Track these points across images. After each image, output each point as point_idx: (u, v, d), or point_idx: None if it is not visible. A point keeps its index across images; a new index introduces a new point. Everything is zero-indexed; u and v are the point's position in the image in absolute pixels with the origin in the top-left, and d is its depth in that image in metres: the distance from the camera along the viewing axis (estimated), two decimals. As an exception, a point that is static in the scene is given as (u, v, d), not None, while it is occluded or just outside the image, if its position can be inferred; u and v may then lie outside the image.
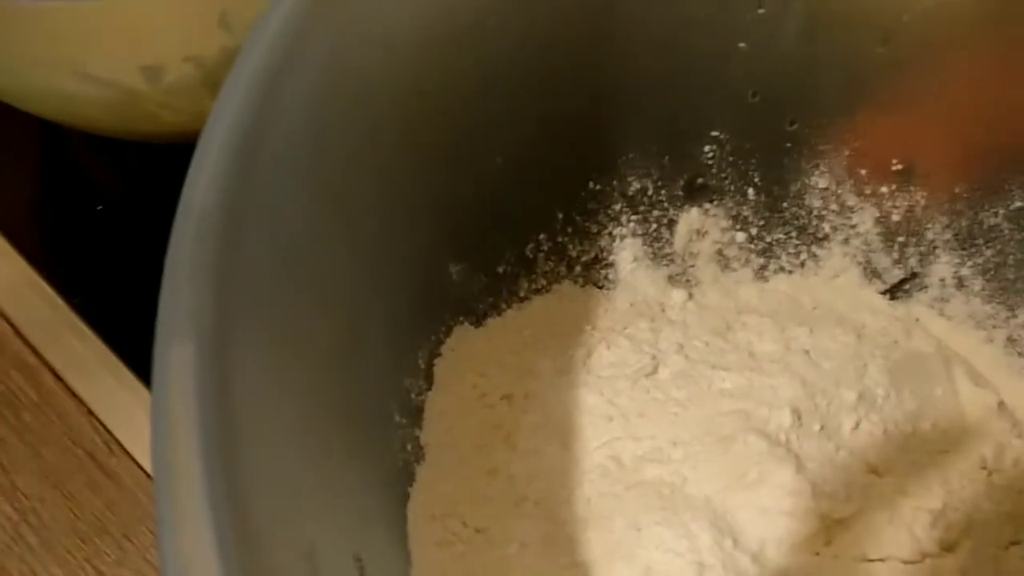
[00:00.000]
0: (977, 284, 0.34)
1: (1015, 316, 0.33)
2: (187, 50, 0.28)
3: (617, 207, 0.35)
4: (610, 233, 0.35)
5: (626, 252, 0.35)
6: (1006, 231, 0.33)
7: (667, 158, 0.34)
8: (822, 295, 0.35)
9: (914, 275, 0.35)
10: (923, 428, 0.29)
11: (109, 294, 0.40)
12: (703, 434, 0.28)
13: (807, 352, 0.31)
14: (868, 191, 0.34)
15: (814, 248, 0.35)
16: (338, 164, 0.22)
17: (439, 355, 0.31)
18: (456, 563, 0.26)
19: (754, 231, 0.35)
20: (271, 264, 0.20)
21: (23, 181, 0.43)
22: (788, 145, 0.34)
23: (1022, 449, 0.30)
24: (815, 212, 0.35)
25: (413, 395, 0.29)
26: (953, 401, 0.31)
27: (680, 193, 0.35)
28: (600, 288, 0.35)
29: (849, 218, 0.35)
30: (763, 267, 0.36)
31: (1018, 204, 0.32)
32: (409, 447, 0.28)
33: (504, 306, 0.34)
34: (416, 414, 0.29)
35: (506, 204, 0.32)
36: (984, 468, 0.28)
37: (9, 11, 0.25)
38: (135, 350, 0.38)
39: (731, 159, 0.35)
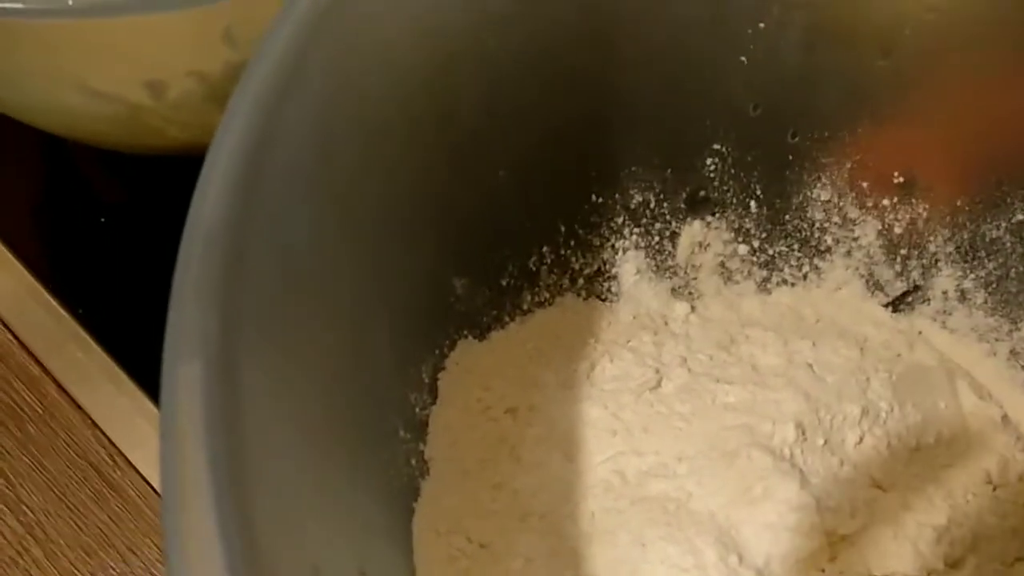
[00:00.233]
0: (979, 297, 0.34)
1: (1018, 329, 0.33)
2: (191, 65, 0.28)
3: (620, 220, 0.35)
4: (613, 246, 0.35)
5: (629, 265, 0.35)
6: (1008, 244, 0.33)
7: (669, 171, 0.34)
8: (825, 308, 0.35)
9: (916, 288, 0.35)
10: (927, 442, 0.30)
11: (112, 305, 0.40)
12: (707, 449, 0.28)
13: (810, 366, 0.31)
14: (870, 204, 0.34)
15: (816, 260, 0.35)
16: (342, 180, 0.22)
17: (443, 369, 0.31)
18: (461, 578, 0.26)
19: (756, 243, 0.35)
20: (277, 280, 0.20)
21: (26, 191, 0.43)
22: (790, 158, 0.34)
23: (1025, 462, 0.30)
24: (817, 224, 0.35)
25: (417, 409, 0.29)
26: (957, 415, 0.31)
27: (682, 206, 0.35)
28: (603, 301, 0.35)
29: (851, 231, 0.35)
30: (766, 279, 0.36)
31: (1020, 217, 0.33)
32: (414, 462, 0.29)
33: (507, 319, 0.34)
34: (420, 428, 0.29)
35: (509, 217, 0.32)
36: (989, 483, 0.28)
37: (13, 26, 0.25)
38: (139, 361, 0.38)
39: (733, 172, 0.35)
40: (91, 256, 0.41)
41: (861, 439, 0.29)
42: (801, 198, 0.35)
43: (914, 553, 0.26)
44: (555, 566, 0.26)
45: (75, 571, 0.35)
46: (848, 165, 0.34)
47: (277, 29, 0.19)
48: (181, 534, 0.16)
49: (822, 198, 0.35)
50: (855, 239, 0.35)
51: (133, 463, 0.37)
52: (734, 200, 0.35)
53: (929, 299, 0.35)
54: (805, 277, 0.36)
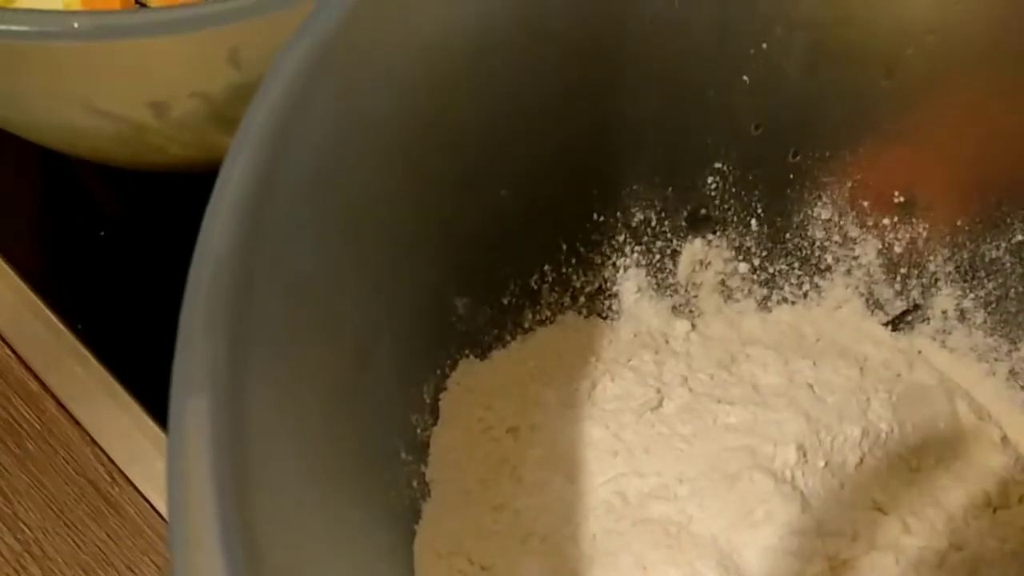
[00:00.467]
0: (979, 317, 0.34)
1: (1017, 349, 0.33)
2: (195, 86, 0.28)
3: (621, 238, 0.35)
4: (614, 264, 0.35)
5: (630, 283, 0.35)
6: (1008, 264, 0.33)
7: (670, 189, 0.35)
8: (825, 326, 0.35)
9: (916, 307, 0.35)
10: (927, 463, 0.30)
11: (112, 320, 0.40)
12: (709, 470, 0.28)
13: (811, 386, 0.32)
14: (870, 223, 0.35)
15: (817, 279, 0.36)
16: (348, 206, 0.22)
17: (445, 389, 0.31)
18: (463, 600, 0.26)
19: (757, 262, 0.36)
20: (284, 307, 0.20)
21: (25, 206, 0.43)
22: (791, 177, 0.34)
23: (1026, 484, 0.30)
24: (818, 243, 0.35)
25: (419, 431, 0.29)
26: (957, 436, 0.31)
27: (683, 224, 0.35)
28: (604, 319, 0.35)
29: (852, 249, 0.35)
30: (766, 298, 0.36)
31: (1019, 238, 0.33)
32: (415, 484, 0.29)
33: (509, 338, 0.34)
34: (422, 450, 0.29)
35: (511, 236, 0.32)
36: (989, 505, 0.29)
37: (19, 48, 0.25)
38: (138, 377, 0.38)
39: (734, 190, 0.35)
40: (90, 271, 0.41)
41: (862, 460, 0.30)
42: (802, 217, 0.35)
43: (917, 580, 0.26)
44: (557, 590, 0.26)
45: (74, 590, 0.35)
46: (849, 184, 0.34)
47: (284, 57, 0.20)
48: (188, 569, 0.16)
49: (823, 217, 0.35)
50: (855, 258, 0.35)
51: (132, 480, 0.37)
52: (735, 218, 0.35)
53: (929, 318, 0.35)
54: (805, 295, 0.36)
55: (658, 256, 0.35)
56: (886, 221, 0.34)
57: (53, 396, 0.38)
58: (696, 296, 0.36)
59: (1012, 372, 0.33)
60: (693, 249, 0.35)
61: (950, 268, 0.34)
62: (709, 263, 0.36)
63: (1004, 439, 0.31)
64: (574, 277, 0.35)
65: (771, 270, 0.36)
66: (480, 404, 0.31)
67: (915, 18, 0.30)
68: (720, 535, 0.27)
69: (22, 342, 0.39)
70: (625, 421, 0.31)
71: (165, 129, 0.30)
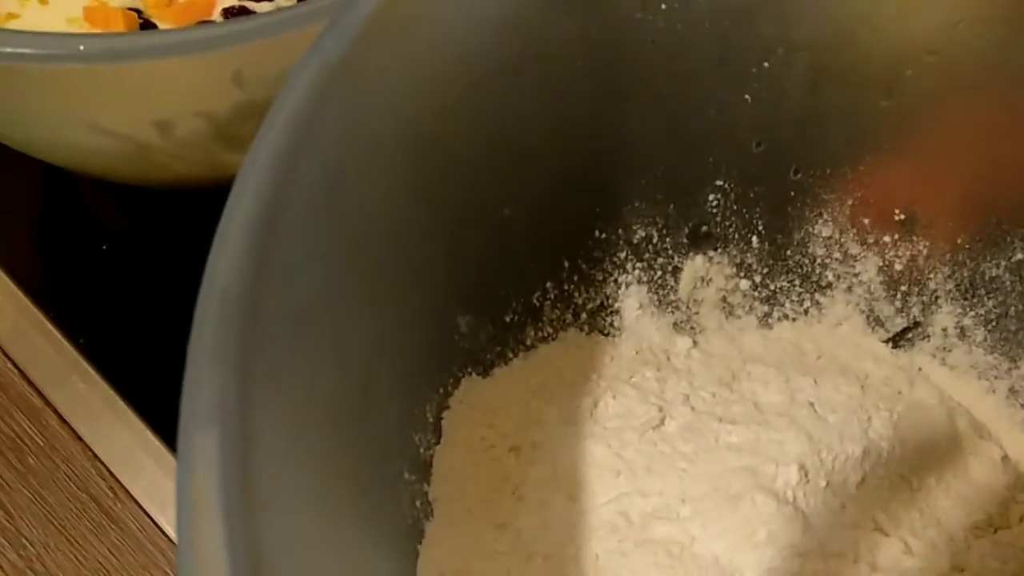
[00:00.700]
0: (979, 335, 0.34)
1: (1017, 367, 0.33)
2: (199, 106, 0.28)
3: (622, 255, 0.35)
4: (615, 280, 0.35)
5: (631, 299, 0.36)
6: (1008, 283, 0.33)
7: (672, 206, 0.35)
8: (826, 343, 0.35)
9: (917, 324, 0.35)
10: (928, 483, 0.30)
11: (114, 334, 0.40)
12: (711, 491, 0.28)
13: (812, 404, 0.32)
14: (871, 240, 0.35)
15: (817, 296, 0.36)
16: (354, 234, 0.23)
17: (447, 408, 0.31)
18: (466, 621, 0.27)
19: (758, 279, 0.36)
20: (291, 336, 0.20)
21: (27, 220, 0.43)
22: (792, 194, 0.34)
23: (1026, 504, 0.30)
24: (818, 260, 0.35)
25: (422, 450, 0.30)
26: (957, 455, 0.31)
27: (685, 241, 0.35)
28: (605, 335, 0.35)
29: (852, 267, 0.35)
30: (767, 315, 0.36)
31: (1019, 256, 0.33)
32: (418, 503, 0.29)
33: (511, 355, 0.34)
34: (425, 469, 0.29)
35: (514, 254, 0.32)
36: (990, 525, 0.29)
37: (25, 70, 0.25)
38: (140, 392, 0.38)
39: (735, 207, 0.35)
40: (93, 285, 0.41)
41: (863, 480, 0.30)
42: (803, 234, 0.35)
43: (919, 603, 0.26)
44: (561, 612, 0.26)
45: (76, 606, 0.35)
46: (850, 202, 0.34)
47: (289, 89, 0.20)
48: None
49: (823, 234, 0.35)
50: (856, 275, 0.35)
51: (133, 495, 0.37)
52: (736, 235, 0.35)
53: (929, 336, 0.35)
54: (806, 312, 0.36)
55: (659, 273, 0.35)
56: (887, 239, 0.34)
57: (55, 411, 0.38)
58: (697, 313, 0.36)
59: (1012, 390, 0.34)
60: (694, 266, 0.35)
61: (950, 286, 0.34)
62: (710, 280, 0.36)
63: (1004, 458, 0.31)
64: (576, 294, 0.35)
65: (772, 287, 0.36)
66: (482, 422, 0.31)
67: (915, 39, 0.30)
68: (722, 556, 0.27)
69: (24, 356, 0.39)
70: (627, 439, 0.31)
71: (169, 148, 0.30)
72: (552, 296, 0.34)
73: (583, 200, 0.34)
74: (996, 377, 0.34)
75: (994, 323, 0.34)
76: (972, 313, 0.34)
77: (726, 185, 0.34)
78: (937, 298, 0.34)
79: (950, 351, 0.34)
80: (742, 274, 0.36)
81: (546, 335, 0.35)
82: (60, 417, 0.38)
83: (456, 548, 0.28)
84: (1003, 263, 0.33)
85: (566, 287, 0.35)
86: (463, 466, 0.30)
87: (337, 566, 0.22)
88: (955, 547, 0.28)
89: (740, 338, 0.36)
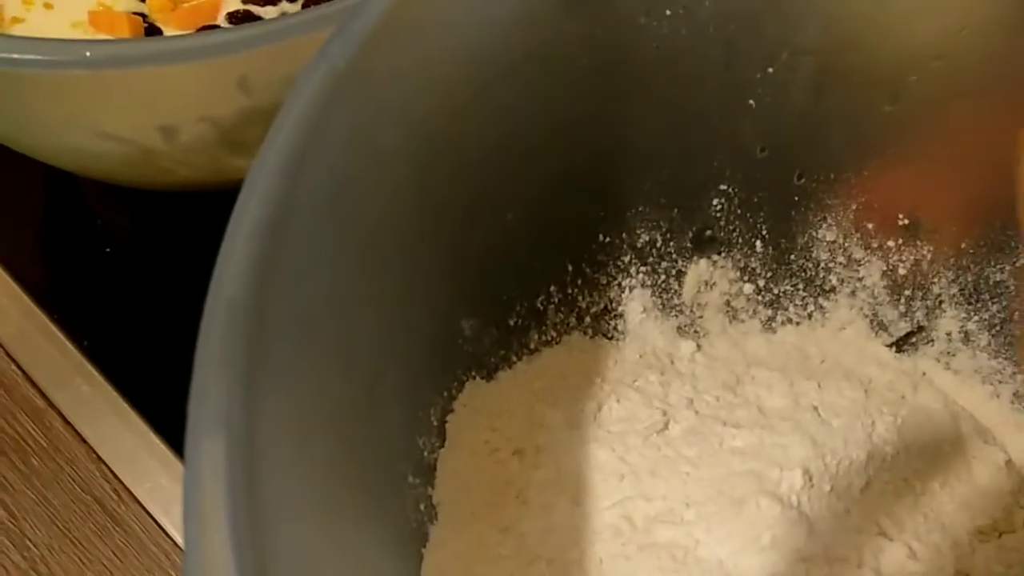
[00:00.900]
0: (983, 339, 0.34)
1: (1021, 372, 0.33)
2: (204, 111, 0.28)
3: (626, 259, 0.35)
4: (619, 284, 0.35)
5: (635, 303, 0.36)
6: (1012, 287, 0.33)
7: (676, 211, 0.35)
8: (829, 347, 0.35)
9: (920, 329, 0.35)
10: (932, 487, 0.30)
11: (118, 337, 0.40)
12: (716, 495, 0.28)
13: (816, 408, 0.32)
14: (875, 245, 0.35)
15: (821, 300, 0.36)
16: (360, 239, 0.23)
17: (451, 411, 0.31)
18: (470, 625, 0.27)
19: (762, 283, 0.36)
20: (297, 343, 0.20)
21: (31, 222, 0.44)
22: (796, 199, 0.34)
23: (1030, 508, 0.30)
24: (822, 264, 0.35)
25: (426, 453, 0.30)
26: (961, 459, 0.31)
27: (689, 245, 0.35)
28: (609, 339, 0.35)
29: (856, 271, 0.35)
30: (771, 319, 0.36)
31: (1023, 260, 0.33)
32: (422, 507, 0.29)
33: (515, 359, 0.34)
34: (429, 473, 0.29)
35: (518, 258, 0.32)
36: (995, 530, 0.29)
37: (30, 76, 0.25)
38: (144, 394, 0.38)
39: (739, 212, 0.35)
40: (97, 287, 0.41)
41: (867, 484, 0.30)
42: (806, 238, 0.35)
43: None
44: (565, 616, 0.26)
45: (80, 609, 0.35)
46: (853, 206, 0.34)
47: (297, 94, 0.20)
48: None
49: (827, 239, 0.35)
50: (860, 279, 0.35)
51: (137, 497, 0.37)
52: (740, 240, 0.35)
53: (933, 340, 0.35)
54: (810, 316, 0.36)
55: (663, 277, 0.36)
56: (890, 243, 0.35)
57: (59, 413, 0.38)
58: (701, 316, 0.36)
59: (1016, 394, 0.34)
60: (698, 270, 0.35)
61: (954, 290, 0.34)
62: (714, 284, 0.36)
63: (1009, 462, 0.31)
64: (580, 298, 0.35)
65: (776, 291, 0.36)
66: (486, 426, 0.31)
67: (920, 45, 0.30)
68: (726, 560, 0.27)
69: (28, 359, 0.39)
70: (631, 444, 0.31)
71: (174, 152, 0.30)
72: (556, 300, 0.34)
73: (587, 204, 0.34)
74: (1000, 381, 0.34)
75: (998, 327, 0.34)
76: (976, 317, 0.34)
77: (730, 189, 0.34)
78: (941, 302, 0.34)
79: (954, 355, 0.34)
80: (746, 278, 0.36)
81: (550, 339, 0.35)
82: (64, 419, 0.38)
83: (460, 552, 0.28)
84: (1007, 267, 0.33)
85: (570, 291, 0.35)
86: (467, 470, 0.30)
87: (342, 570, 0.22)
88: (959, 552, 0.28)
89: (744, 342, 0.36)
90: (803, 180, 0.34)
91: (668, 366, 0.35)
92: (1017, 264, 0.33)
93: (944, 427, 0.32)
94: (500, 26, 0.26)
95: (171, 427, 0.37)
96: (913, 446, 0.31)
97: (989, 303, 0.34)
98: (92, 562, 0.35)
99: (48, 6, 0.35)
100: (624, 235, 0.35)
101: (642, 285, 0.35)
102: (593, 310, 0.35)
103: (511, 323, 0.33)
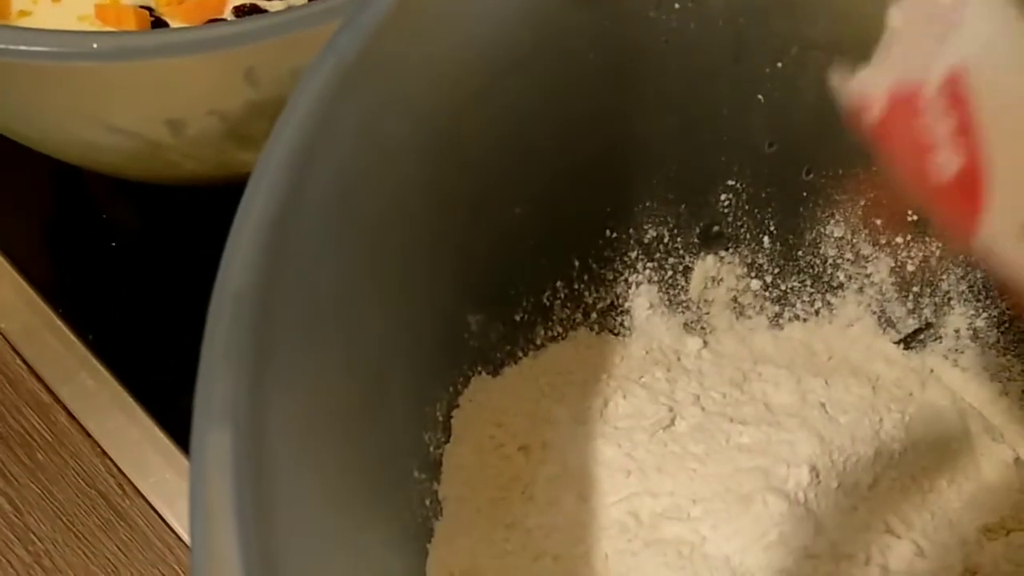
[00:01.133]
0: (992, 336, 0.34)
1: (1030, 370, 0.33)
2: (211, 104, 0.28)
3: (633, 254, 0.35)
4: (626, 280, 0.35)
5: (642, 299, 0.35)
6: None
7: (683, 206, 0.35)
8: (837, 344, 0.35)
9: (929, 325, 0.35)
10: (940, 485, 0.30)
11: (123, 331, 0.40)
12: (722, 491, 0.28)
13: (823, 405, 0.32)
14: (883, 241, 0.35)
15: (829, 297, 0.36)
16: (366, 233, 0.23)
17: (457, 406, 0.31)
18: (475, 620, 0.26)
19: (769, 279, 0.36)
20: (303, 337, 0.20)
21: (37, 217, 0.43)
22: (804, 194, 0.34)
23: (1039, 506, 0.30)
24: (830, 261, 0.35)
25: (431, 448, 0.29)
26: (969, 456, 0.31)
27: (696, 241, 0.35)
28: (615, 335, 0.35)
29: (864, 267, 0.35)
30: (778, 315, 0.36)
31: (1033, 257, 0.33)
32: (428, 502, 0.29)
33: (521, 354, 0.34)
34: (434, 468, 0.29)
35: (524, 253, 0.32)
36: (1003, 527, 0.29)
37: (38, 67, 0.25)
38: (149, 388, 0.38)
39: (747, 207, 0.35)
40: (102, 282, 0.41)
41: (875, 481, 0.30)
42: (814, 234, 0.35)
43: (932, 606, 0.26)
44: (571, 612, 0.26)
45: (84, 603, 0.35)
46: (862, 202, 0.34)
47: (305, 87, 0.20)
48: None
49: (835, 235, 0.35)
50: (867, 276, 0.35)
51: (142, 492, 0.37)
52: (747, 235, 0.35)
53: (941, 337, 0.35)
54: (817, 313, 0.36)
55: (670, 273, 0.35)
56: (899, 239, 0.34)
57: (64, 407, 0.38)
58: (708, 313, 0.36)
59: (1024, 392, 0.33)
60: (705, 266, 0.35)
61: (963, 287, 0.34)
62: (721, 280, 0.36)
63: (1017, 460, 0.31)
64: (586, 293, 0.35)
65: (783, 287, 0.36)
66: (492, 421, 0.31)
67: (931, 39, 0.30)
68: (733, 556, 0.27)
69: (33, 353, 0.39)
70: (638, 440, 0.31)
71: (181, 146, 0.30)
72: (562, 295, 0.34)
73: (594, 199, 0.33)
74: (1009, 379, 0.34)
75: (1007, 324, 0.34)
76: (985, 314, 0.34)
77: (738, 185, 0.34)
78: (950, 299, 0.34)
79: (962, 353, 0.34)
80: (753, 274, 0.35)
81: (556, 334, 0.34)
82: (69, 413, 0.38)
83: (465, 547, 0.28)
84: (1016, 264, 0.33)
85: (576, 286, 0.34)
86: (473, 465, 0.30)
87: (347, 564, 0.22)
88: (967, 549, 0.28)
89: (751, 338, 0.35)
90: (811, 176, 0.34)
91: (674, 362, 0.34)
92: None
93: (952, 424, 0.32)
94: (508, 19, 0.26)
95: (176, 422, 0.37)
96: (921, 443, 0.31)
97: (998, 300, 0.34)
98: (96, 556, 0.35)
99: (55, 0, 0.35)
100: (631, 230, 0.35)
101: (649, 281, 0.35)
102: (599, 306, 0.35)
103: (517, 318, 0.33)
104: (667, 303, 0.36)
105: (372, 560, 0.24)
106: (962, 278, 0.34)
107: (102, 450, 0.37)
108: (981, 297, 0.34)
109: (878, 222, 0.34)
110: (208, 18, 0.35)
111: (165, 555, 0.36)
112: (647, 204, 0.34)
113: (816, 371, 0.33)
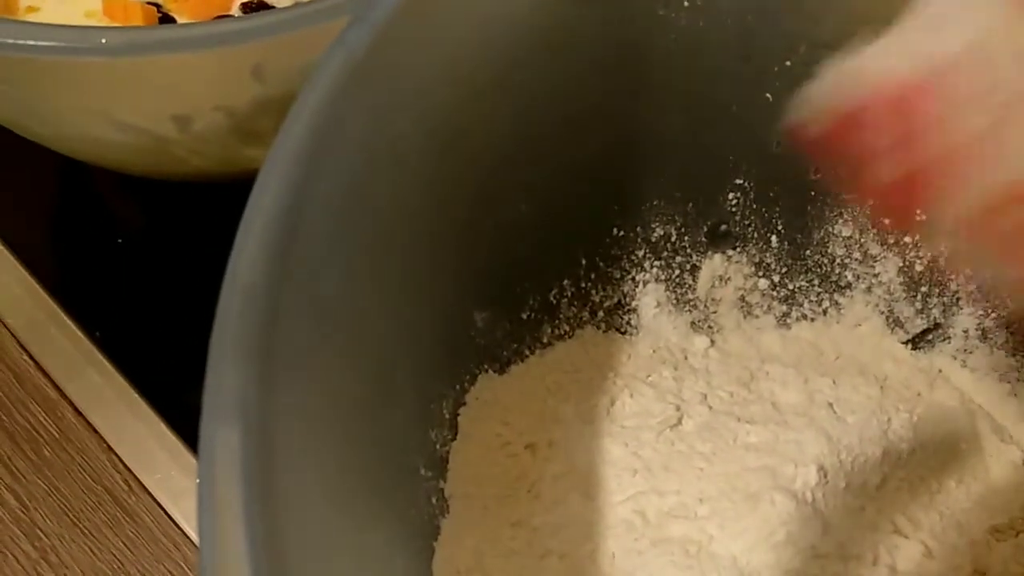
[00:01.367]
0: (1001, 336, 0.34)
1: (1039, 369, 0.33)
2: (218, 100, 0.28)
3: (640, 253, 0.35)
4: (633, 279, 0.35)
5: (649, 298, 0.35)
6: (1031, 284, 0.33)
7: (691, 205, 0.34)
8: (844, 344, 0.35)
9: (937, 326, 0.35)
10: (948, 485, 0.29)
11: (130, 327, 0.40)
12: (729, 490, 0.28)
13: (831, 405, 0.31)
14: (891, 240, 0.34)
15: (836, 296, 0.35)
16: (374, 230, 0.22)
17: (464, 404, 0.31)
18: (481, 619, 0.26)
19: (777, 278, 0.35)
20: (311, 334, 0.20)
21: (43, 213, 0.44)
22: (812, 194, 0.34)
23: (1047, 507, 0.30)
24: (838, 260, 0.35)
25: (438, 446, 0.29)
26: (978, 457, 0.31)
27: (703, 239, 0.35)
28: (622, 334, 0.35)
29: (872, 267, 0.35)
30: (785, 314, 0.36)
31: (1042, 257, 0.32)
32: (434, 500, 0.29)
33: (527, 352, 0.34)
34: (441, 465, 0.29)
35: (531, 251, 0.32)
36: (1012, 529, 0.28)
37: (46, 63, 0.25)
38: (155, 385, 0.38)
39: (755, 207, 0.35)
40: (109, 278, 0.41)
41: (883, 481, 0.29)
42: (822, 234, 0.35)
43: (940, 607, 0.26)
44: (577, 611, 0.26)
45: (91, 599, 0.35)
46: (870, 201, 0.34)
47: (314, 83, 0.19)
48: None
49: (843, 234, 0.35)
50: (875, 275, 0.35)
51: (148, 488, 0.37)
52: (755, 235, 0.35)
53: (950, 337, 0.35)
54: (825, 313, 0.36)
55: (677, 271, 0.35)
56: (907, 239, 0.34)
57: (71, 403, 0.38)
58: (715, 312, 0.36)
59: (1033, 393, 0.33)
60: (713, 265, 0.35)
61: (972, 287, 0.34)
62: (729, 279, 0.35)
63: (1025, 461, 0.31)
64: (593, 292, 0.35)
65: (791, 287, 0.35)
66: (498, 419, 0.31)
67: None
68: (740, 556, 0.27)
69: (40, 349, 0.39)
70: (644, 439, 0.31)
71: (188, 142, 0.30)
72: (569, 293, 0.34)
73: (601, 197, 0.33)
74: (1018, 380, 0.33)
75: (1016, 325, 0.33)
76: (994, 315, 0.34)
77: (746, 184, 0.34)
78: (958, 299, 0.34)
79: (971, 353, 0.34)
80: (761, 273, 0.35)
81: (563, 333, 0.34)
82: (75, 409, 0.38)
83: (471, 545, 0.28)
84: (1025, 264, 0.33)
85: (583, 285, 0.34)
86: (479, 463, 0.30)
87: (354, 560, 0.22)
88: (976, 550, 0.28)
89: (758, 338, 0.35)
90: (819, 175, 0.34)
91: (682, 361, 0.34)
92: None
93: (960, 425, 0.32)
94: (516, 16, 0.26)
95: (182, 418, 0.37)
96: (929, 443, 0.31)
97: (1007, 300, 0.33)
98: (102, 552, 0.35)
99: (62, -5, 0.35)
100: (638, 229, 0.35)
101: (656, 279, 0.35)
102: (606, 304, 0.35)
103: (524, 316, 0.33)
104: (674, 302, 0.35)
105: (378, 556, 0.24)
106: (971, 278, 0.34)
107: (108, 446, 0.37)
108: (990, 297, 0.34)
109: (886, 221, 0.34)
110: (216, 14, 0.35)
111: (171, 551, 0.36)
112: (655, 202, 0.34)
113: (824, 371, 0.33)
